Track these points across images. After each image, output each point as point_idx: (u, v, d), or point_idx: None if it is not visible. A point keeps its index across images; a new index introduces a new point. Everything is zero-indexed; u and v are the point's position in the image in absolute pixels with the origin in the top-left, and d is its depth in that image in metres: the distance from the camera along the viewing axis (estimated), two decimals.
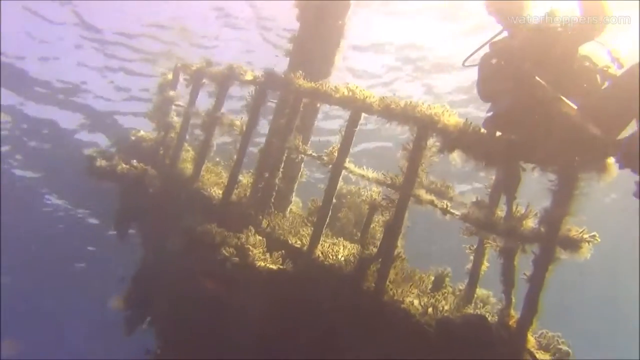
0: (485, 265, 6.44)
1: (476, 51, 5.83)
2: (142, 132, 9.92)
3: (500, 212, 5.97)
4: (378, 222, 7.75)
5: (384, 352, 5.96)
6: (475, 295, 6.55)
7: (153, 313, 8.58)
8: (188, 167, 8.76)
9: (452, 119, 5.85)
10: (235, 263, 6.81)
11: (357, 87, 6.73)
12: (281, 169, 7.76)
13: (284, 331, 6.88)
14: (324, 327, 6.53)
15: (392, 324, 5.95)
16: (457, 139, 5.67)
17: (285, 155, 7.71)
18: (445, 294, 6.53)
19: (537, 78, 4.89)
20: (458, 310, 5.85)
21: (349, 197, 9.17)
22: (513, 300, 5.38)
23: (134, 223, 9.39)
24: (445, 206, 5.93)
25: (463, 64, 5.91)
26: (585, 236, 4.91)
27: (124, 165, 8.45)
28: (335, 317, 6.45)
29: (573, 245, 4.93)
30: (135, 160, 8.71)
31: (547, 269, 4.99)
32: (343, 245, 7.31)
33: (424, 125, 6.08)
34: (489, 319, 5.41)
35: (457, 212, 5.80)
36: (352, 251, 6.96)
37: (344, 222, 8.87)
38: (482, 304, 6.48)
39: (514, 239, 5.22)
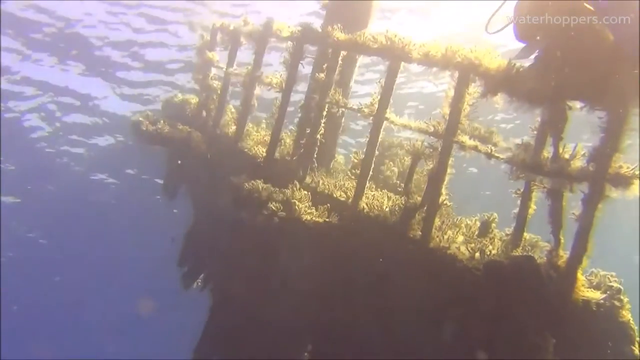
0: (533, 208, 6.38)
1: (495, 12, 5.65)
2: (184, 96, 10.12)
3: (547, 153, 5.86)
4: (422, 173, 7.77)
5: (433, 298, 6.06)
6: (523, 240, 6.52)
7: (207, 269, 8.95)
8: (231, 128, 8.92)
9: (494, 61, 5.73)
10: (282, 217, 6.99)
11: (395, 35, 6.63)
12: (322, 124, 7.80)
13: (332, 284, 7.06)
14: (371, 278, 6.67)
15: (439, 270, 6.03)
16: (500, 81, 5.57)
17: (326, 110, 7.74)
18: (492, 239, 6.53)
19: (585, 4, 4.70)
20: (506, 254, 5.86)
21: (391, 149, 9.16)
22: (562, 240, 5.34)
23: (182, 185, 9.69)
24: (489, 150, 5.87)
25: (486, 30, 5.73)
26: (637, 172, 4.80)
27: (169, 129, 8.69)
28: (382, 266, 6.57)
29: (624, 182, 4.83)
30: (179, 124, 8.92)
31: (597, 207, 4.92)
32: (387, 197, 7.36)
33: (465, 70, 5.99)
34: (538, 260, 5.40)
35: (502, 156, 5.74)
36: (397, 202, 7.01)
37: (387, 175, 8.90)
38: (530, 248, 6.45)
39: (561, 179, 5.14)
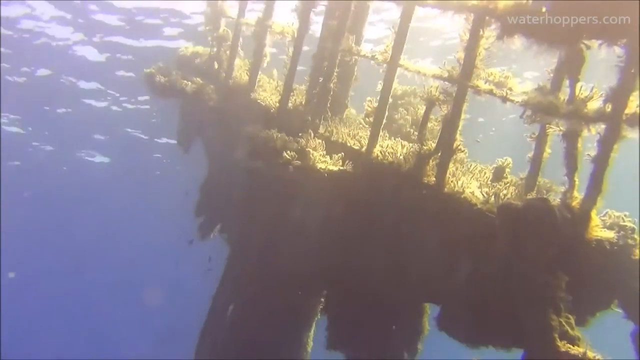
0: (547, 152, 6.39)
1: None
2: (195, 48, 10.05)
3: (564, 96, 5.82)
4: (436, 120, 7.74)
5: (447, 241, 6.17)
6: (538, 184, 6.55)
7: (223, 220, 9.11)
8: (243, 79, 8.89)
9: (509, 2, 5.62)
10: (297, 166, 7.05)
11: None
12: (335, 73, 7.75)
13: (347, 231, 7.18)
14: (386, 224, 6.77)
15: (453, 214, 6.10)
16: (516, 23, 5.48)
17: (339, 58, 7.67)
18: (507, 184, 6.57)
19: None
20: (520, 197, 5.90)
21: (405, 97, 9.11)
22: (576, 182, 5.37)
23: (196, 136, 9.76)
24: (505, 94, 5.84)
25: None
26: None
27: (182, 81, 8.68)
28: (397, 212, 6.65)
29: None
30: (192, 75, 8.91)
31: (613, 148, 4.93)
32: (401, 145, 7.38)
33: (480, 13, 5.89)
34: (552, 202, 5.44)
35: (518, 99, 5.71)
36: (411, 149, 7.03)
37: (401, 124, 8.88)
38: (545, 192, 6.48)
39: (578, 121, 5.13)
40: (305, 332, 8.03)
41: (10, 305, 38.59)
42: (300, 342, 7.95)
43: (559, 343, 4.77)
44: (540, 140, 6.35)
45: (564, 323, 4.88)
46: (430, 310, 7.17)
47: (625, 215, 5.79)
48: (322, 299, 7.85)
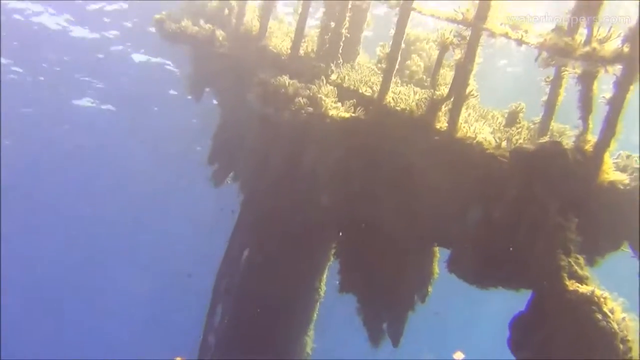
0: (562, 95, 6.33)
1: None
2: None
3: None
4: (449, 65, 7.65)
5: (458, 186, 6.21)
6: (551, 128, 6.52)
7: (236, 167, 9.21)
8: (254, 25, 8.78)
9: None
10: (309, 113, 7.05)
11: None
12: (347, 18, 7.63)
13: (359, 177, 7.24)
14: (398, 170, 6.81)
15: (465, 159, 6.12)
16: None
17: (350, 3, 7.54)
18: (520, 129, 6.55)
19: None
20: (532, 141, 5.89)
21: (417, 43, 8.97)
22: (590, 125, 5.35)
23: (208, 84, 9.73)
24: (520, 37, 5.74)
25: None
26: None
27: (193, 27, 8.60)
28: (409, 158, 6.68)
29: None
30: (202, 22, 8.81)
31: (629, 89, 4.87)
32: (414, 91, 7.33)
33: None
34: (565, 145, 5.43)
35: (533, 41, 5.62)
36: (423, 95, 6.98)
37: (414, 70, 8.78)
38: (558, 135, 6.45)
39: (594, 62, 5.06)
40: (318, 276, 8.23)
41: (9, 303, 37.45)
42: (313, 286, 8.16)
43: (568, 282, 4.87)
44: (555, 83, 6.28)
45: (573, 263, 4.96)
46: (440, 255, 7.30)
47: (637, 157, 5.78)
48: (334, 244, 7.99)
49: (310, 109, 7.05)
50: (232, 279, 8.23)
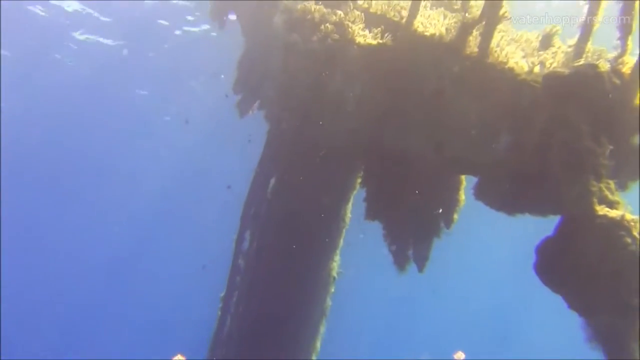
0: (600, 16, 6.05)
1: None
2: None
3: None
4: None
5: (488, 112, 6.13)
6: (587, 50, 6.29)
7: (261, 96, 9.17)
8: None
9: None
10: (335, 39, 6.92)
11: None
12: None
13: (386, 105, 7.17)
14: (426, 97, 6.71)
15: (496, 84, 6.00)
16: None
17: None
18: (554, 53, 6.34)
19: None
20: (567, 64, 5.73)
21: None
22: (629, 46, 5.16)
23: (231, 8, 9.52)
24: None
25: None
26: None
27: None
28: (438, 85, 6.57)
29: None
30: None
31: None
32: (444, 15, 7.09)
33: None
34: (601, 68, 5.26)
35: None
36: (453, 19, 6.76)
37: None
38: (595, 58, 6.21)
39: None
40: (344, 204, 8.34)
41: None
42: (338, 214, 8.29)
43: (598, 207, 4.87)
44: (593, 2, 6.00)
45: (603, 188, 4.94)
46: (467, 183, 7.32)
47: None
48: (361, 172, 8.04)
49: (337, 36, 6.91)
50: (259, 207, 8.41)
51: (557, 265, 4.96)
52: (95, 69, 25.13)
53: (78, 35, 23.65)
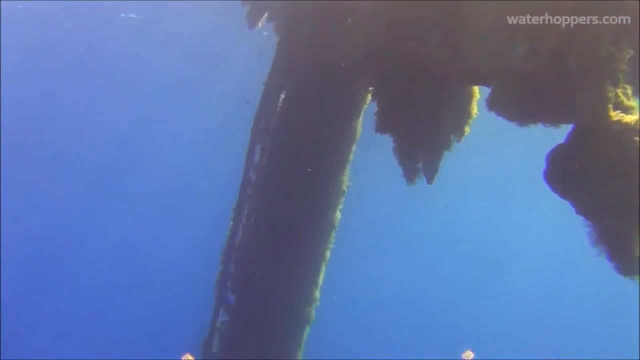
0: None
1: None
2: None
3: None
4: None
5: (505, 21, 5.93)
6: None
7: (270, 8, 8.93)
8: None
9: None
10: None
11: None
12: None
13: (399, 16, 6.94)
14: (442, 3, 6.48)
15: None
16: None
17: None
18: None
19: None
20: None
21: None
22: None
23: None
24: None
25: None
26: None
27: None
28: None
29: None
30: None
31: None
32: None
33: None
34: None
35: None
36: None
37: None
38: None
39: None
40: (354, 117, 8.31)
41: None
42: (349, 126, 8.27)
43: (612, 113, 4.82)
44: None
45: (620, 94, 4.86)
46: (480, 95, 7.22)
47: None
48: (372, 85, 7.93)
49: None
50: (270, 120, 8.40)
51: (567, 171, 4.97)
52: None
53: None
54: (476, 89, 7.20)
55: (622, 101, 4.85)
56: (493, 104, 6.21)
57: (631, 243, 4.56)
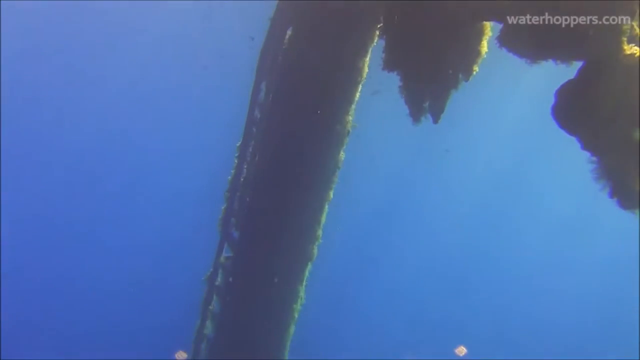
0: None
1: None
2: None
3: None
4: None
5: None
6: None
7: None
8: None
9: None
10: None
11: None
12: None
13: None
14: None
15: None
16: None
17: None
18: None
19: None
20: None
21: None
22: None
23: None
24: None
25: None
26: None
27: None
28: None
29: None
30: None
31: None
32: None
33: None
34: None
35: None
36: None
37: None
38: None
39: None
40: (361, 56, 8.15)
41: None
42: (356, 66, 8.14)
43: (626, 46, 4.69)
44: None
45: (635, 26, 4.72)
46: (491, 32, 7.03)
47: None
48: (379, 22, 7.74)
49: None
50: (275, 58, 8.27)
51: (576, 106, 4.89)
52: None
53: None
54: (488, 25, 7.00)
55: (637, 34, 4.70)
56: (504, 40, 6.08)
57: (632, 179, 4.53)
